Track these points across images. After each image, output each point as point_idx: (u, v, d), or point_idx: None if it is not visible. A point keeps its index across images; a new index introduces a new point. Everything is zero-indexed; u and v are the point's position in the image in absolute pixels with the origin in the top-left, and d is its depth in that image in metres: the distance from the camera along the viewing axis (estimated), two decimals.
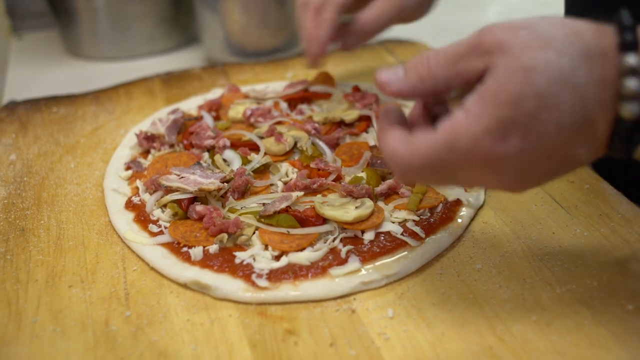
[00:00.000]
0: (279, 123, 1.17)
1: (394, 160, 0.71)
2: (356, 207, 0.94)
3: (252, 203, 0.98)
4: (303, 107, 1.26)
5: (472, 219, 0.98)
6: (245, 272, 0.87)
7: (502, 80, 0.64)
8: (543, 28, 0.65)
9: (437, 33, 1.35)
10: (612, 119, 0.65)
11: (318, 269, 0.87)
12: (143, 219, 0.98)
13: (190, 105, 1.31)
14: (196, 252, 0.90)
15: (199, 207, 0.95)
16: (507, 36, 0.65)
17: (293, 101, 1.27)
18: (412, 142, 0.70)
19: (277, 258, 0.89)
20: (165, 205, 0.98)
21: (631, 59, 0.63)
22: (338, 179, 1.03)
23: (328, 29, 1.13)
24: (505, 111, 0.64)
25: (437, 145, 0.67)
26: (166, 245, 0.93)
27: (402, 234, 0.93)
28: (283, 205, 0.94)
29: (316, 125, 1.14)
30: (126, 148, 1.17)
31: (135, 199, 1.02)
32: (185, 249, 0.91)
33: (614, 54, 0.64)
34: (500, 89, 0.64)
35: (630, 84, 0.63)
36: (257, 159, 1.06)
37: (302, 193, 0.98)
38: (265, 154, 1.09)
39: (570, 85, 0.64)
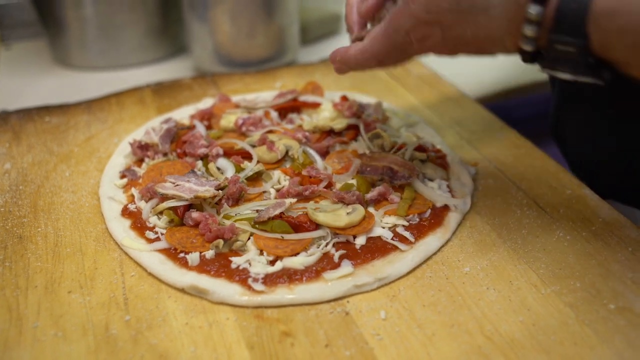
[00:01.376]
0: (270, 132, 1.20)
1: (364, 56, 0.95)
2: (348, 213, 0.97)
3: (247, 210, 1.00)
4: (293, 116, 1.28)
5: (460, 224, 1.01)
6: (241, 277, 0.89)
7: None
8: None
9: None
10: (518, 44, 0.81)
11: (312, 272, 0.90)
12: (139, 225, 1.00)
13: (182, 114, 1.33)
14: (193, 257, 0.92)
15: (195, 214, 0.97)
16: None
17: (283, 110, 1.30)
18: (369, 36, 0.94)
19: (272, 263, 0.92)
20: (161, 213, 1.01)
21: (533, 10, 0.76)
22: (329, 186, 1.06)
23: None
24: (431, 16, 0.84)
25: (387, 27, 0.91)
26: (163, 251, 0.95)
27: (392, 239, 0.95)
28: (277, 212, 0.97)
29: (306, 133, 1.17)
30: (120, 157, 1.19)
31: (131, 207, 1.04)
32: (182, 254, 0.94)
33: (527, 2, 0.77)
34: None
35: (527, 29, 0.78)
36: (250, 167, 1.09)
37: (295, 200, 1.01)
38: (258, 162, 1.11)
39: (488, 15, 0.81)
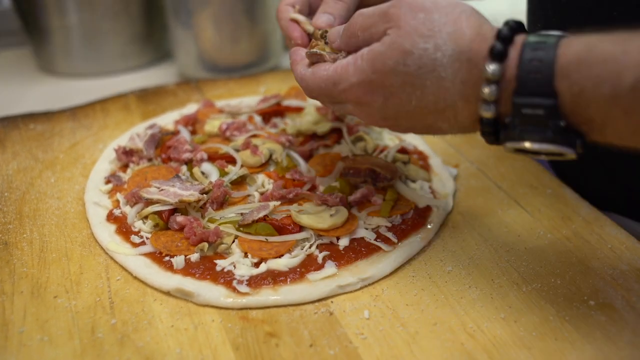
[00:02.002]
0: (254, 136, 1.21)
1: (301, 83, 0.89)
2: (331, 215, 0.98)
3: (231, 213, 1.01)
4: (277, 120, 1.29)
5: (442, 224, 1.02)
6: (226, 279, 0.90)
7: (384, 50, 0.77)
8: (438, 18, 0.75)
9: None
10: (475, 114, 0.75)
11: (296, 274, 0.90)
12: (125, 230, 1.00)
13: (167, 120, 1.33)
14: (178, 261, 0.92)
15: (180, 218, 0.98)
16: (406, 14, 0.76)
17: (267, 115, 1.31)
18: (314, 70, 0.87)
19: (257, 265, 0.93)
20: (146, 217, 1.01)
21: (491, 68, 0.70)
22: (313, 188, 1.07)
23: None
24: (377, 76, 0.78)
25: (327, 78, 0.84)
26: (148, 255, 0.95)
27: (375, 240, 0.96)
28: (261, 215, 0.97)
29: (290, 137, 1.18)
30: (105, 162, 1.19)
31: (117, 212, 1.05)
32: (167, 258, 0.94)
33: (482, 61, 0.72)
34: (380, 57, 0.77)
35: (486, 90, 0.71)
36: (234, 171, 1.10)
37: (278, 202, 1.02)
38: (242, 166, 1.12)
39: (437, 76, 0.74)
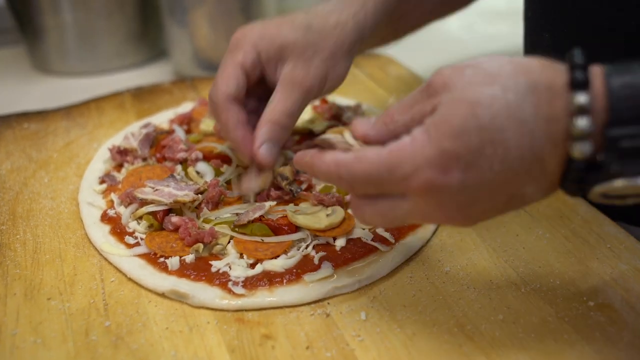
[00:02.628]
0: None
1: (339, 171, 0.71)
2: (328, 215, 0.97)
3: (226, 213, 1.00)
4: None
5: (439, 225, 1.01)
6: (221, 280, 0.89)
7: (445, 112, 0.65)
8: (490, 65, 0.66)
9: (402, 46, 1.38)
10: (562, 158, 0.64)
11: (292, 275, 0.89)
12: (119, 231, 0.99)
13: (162, 119, 1.32)
14: (173, 262, 0.91)
15: (174, 219, 0.97)
16: (452, 75, 0.67)
17: None
18: (359, 154, 0.70)
19: (252, 266, 0.91)
20: (140, 218, 1.00)
21: (581, 98, 0.61)
22: (309, 188, 1.06)
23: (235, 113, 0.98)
24: (447, 143, 0.64)
25: (381, 161, 0.68)
26: (143, 256, 0.94)
27: (372, 240, 0.95)
28: (256, 215, 0.96)
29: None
30: (99, 162, 1.18)
31: (111, 212, 1.04)
32: (161, 259, 0.93)
33: (564, 91, 0.62)
34: (443, 121, 0.65)
35: (580, 123, 0.61)
36: (229, 171, 1.09)
37: (274, 202, 1.01)
38: (237, 165, 1.11)
39: (517, 120, 0.63)
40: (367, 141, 0.74)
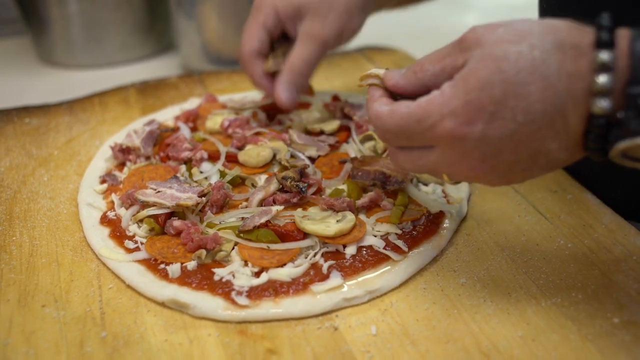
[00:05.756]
0: (257, 134, 1.15)
1: (376, 122, 0.79)
2: (337, 221, 0.92)
3: (231, 217, 0.96)
4: (282, 117, 1.24)
5: (455, 232, 0.97)
6: (224, 290, 0.85)
7: (473, 66, 0.70)
8: (521, 25, 0.70)
9: (416, 40, 1.34)
10: (584, 115, 0.68)
11: (299, 285, 0.85)
12: (119, 234, 0.96)
13: (167, 115, 1.28)
14: (174, 269, 0.87)
15: (177, 223, 0.93)
16: (485, 32, 0.71)
17: (272, 111, 1.25)
18: (393, 108, 0.77)
19: (257, 274, 0.87)
20: (141, 221, 0.96)
21: (604, 56, 0.65)
22: (318, 191, 1.02)
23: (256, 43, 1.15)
24: (472, 95, 0.70)
25: (410, 114, 0.74)
26: (143, 262, 0.90)
27: (384, 248, 0.91)
28: (263, 220, 0.92)
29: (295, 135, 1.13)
30: (101, 160, 1.14)
31: (111, 214, 1.00)
32: (162, 265, 0.89)
33: (589, 49, 0.66)
34: (471, 74, 0.70)
35: (602, 79, 0.65)
36: (231, 173, 1.05)
37: (282, 207, 0.96)
38: (244, 166, 1.07)
39: (540, 75, 0.67)
40: (397, 89, 0.80)
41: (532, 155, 0.72)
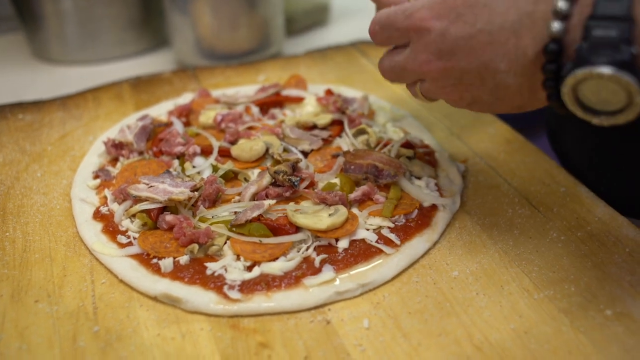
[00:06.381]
0: (250, 128, 1.15)
1: (374, 19, 0.87)
2: (330, 215, 0.92)
3: (224, 212, 0.96)
4: (275, 111, 1.23)
5: (448, 225, 0.97)
6: (216, 284, 0.85)
7: None
8: None
9: None
10: (537, 38, 0.71)
11: (291, 279, 0.85)
12: (112, 229, 0.95)
13: (160, 110, 1.28)
14: (166, 263, 0.87)
15: (169, 217, 0.93)
16: None
17: (265, 105, 1.25)
18: (389, 8, 0.86)
19: (250, 268, 0.87)
20: (134, 215, 0.96)
21: None
22: (311, 185, 1.01)
23: None
24: None
25: (398, 8, 0.83)
26: (135, 256, 0.90)
27: (377, 242, 0.91)
28: (255, 214, 0.92)
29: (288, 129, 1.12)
30: (94, 156, 1.14)
31: (104, 209, 1.00)
32: (155, 260, 0.89)
33: None
34: None
35: (561, 4, 0.68)
36: (223, 167, 1.04)
37: (274, 201, 0.96)
38: (237, 160, 1.07)
39: None
40: None
41: (480, 69, 0.76)
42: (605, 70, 0.65)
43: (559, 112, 0.74)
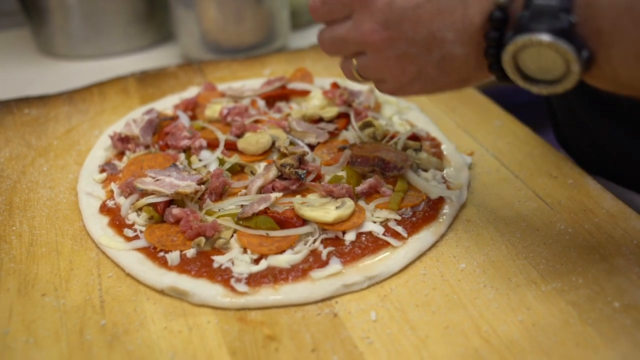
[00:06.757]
0: (256, 122, 1.15)
1: None
2: (336, 207, 0.92)
3: (230, 205, 0.95)
4: (281, 104, 1.23)
5: (455, 217, 0.96)
6: (223, 277, 0.84)
7: None
8: None
9: None
10: (485, 8, 0.71)
11: (298, 271, 0.85)
12: (118, 223, 0.95)
13: (166, 104, 1.28)
14: (173, 256, 0.87)
15: (176, 210, 0.93)
16: None
17: (271, 99, 1.25)
18: None
19: (257, 261, 0.87)
20: (140, 209, 0.96)
21: None
22: (317, 178, 1.01)
23: None
24: None
25: None
26: (142, 250, 0.90)
27: (384, 234, 0.91)
28: (262, 207, 0.92)
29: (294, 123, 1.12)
30: (100, 150, 1.14)
31: (110, 203, 1.00)
32: (161, 253, 0.89)
33: None
34: None
35: None
36: (229, 160, 1.04)
37: (281, 194, 0.96)
38: (243, 154, 1.07)
39: None
40: None
41: (427, 39, 0.76)
42: (545, 37, 0.67)
43: (501, 82, 0.75)
